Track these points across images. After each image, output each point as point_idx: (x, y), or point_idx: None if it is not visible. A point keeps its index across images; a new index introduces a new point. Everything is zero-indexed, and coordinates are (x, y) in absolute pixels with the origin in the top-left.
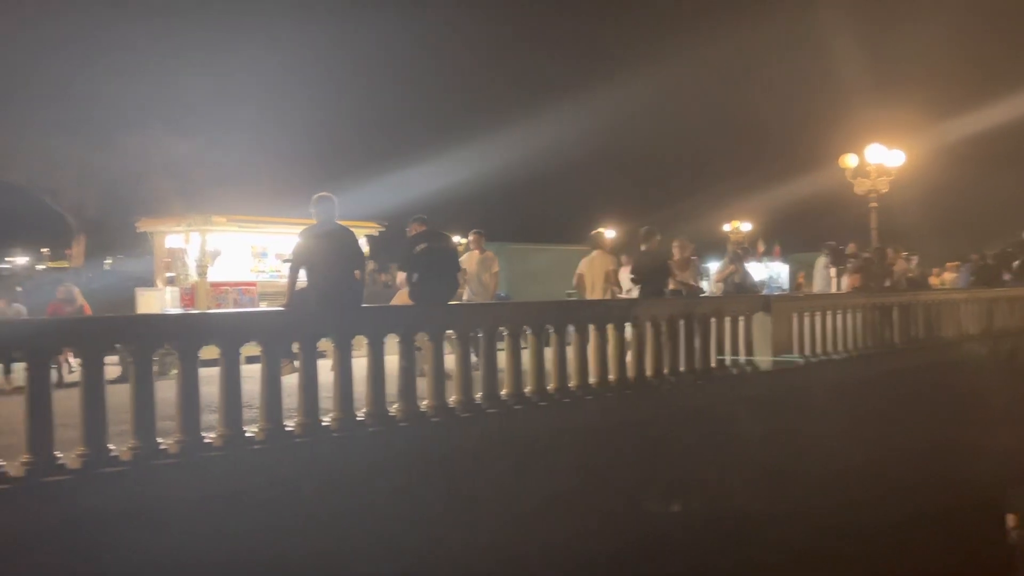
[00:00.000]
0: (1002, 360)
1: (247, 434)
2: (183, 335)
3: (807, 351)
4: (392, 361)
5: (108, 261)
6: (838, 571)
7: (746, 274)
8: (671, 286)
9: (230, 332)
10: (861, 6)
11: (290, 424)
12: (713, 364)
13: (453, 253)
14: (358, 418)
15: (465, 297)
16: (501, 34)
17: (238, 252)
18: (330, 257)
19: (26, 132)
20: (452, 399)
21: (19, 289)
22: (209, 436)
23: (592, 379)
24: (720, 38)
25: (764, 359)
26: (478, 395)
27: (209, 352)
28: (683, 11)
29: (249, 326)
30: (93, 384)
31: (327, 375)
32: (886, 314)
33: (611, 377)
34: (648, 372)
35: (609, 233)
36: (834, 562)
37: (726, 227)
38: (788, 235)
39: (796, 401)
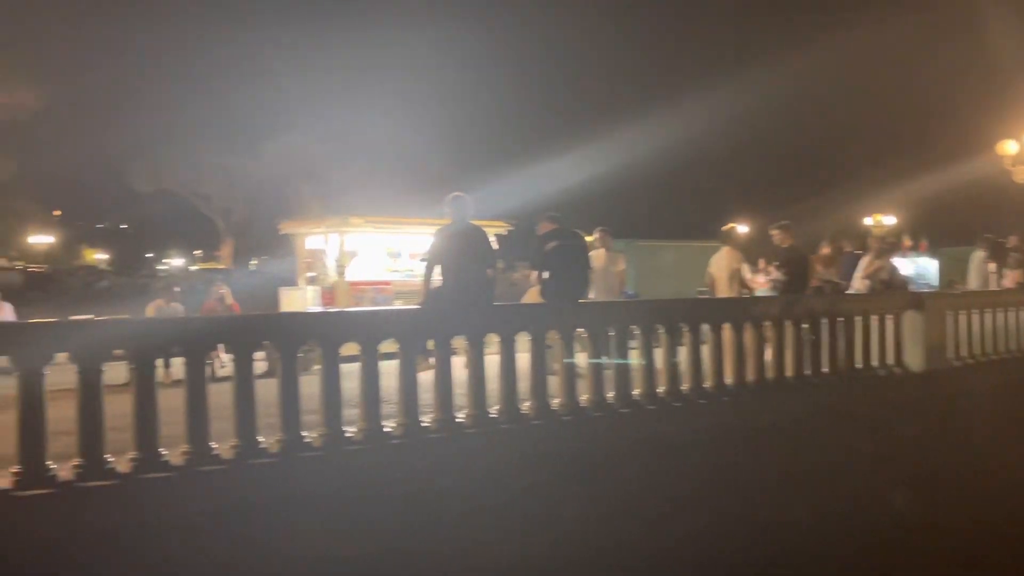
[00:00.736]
0: None
1: (384, 429)
2: (326, 333)
3: (963, 352)
4: (523, 358)
5: (253, 262)
6: None
7: (894, 270)
8: (813, 283)
9: (369, 330)
10: None
11: (426, 420)
12: (859, 365)
13: (584, 250)
14: (491, 415)
15: (592, 295)
16: (631, 26)
17: (374, 252)
18: (463, 256)
19: (178, 142)
20: (584, 398)
21: (177, 289)
22: (350, 431)
23: (728, 379)
24: (863, 23)
25: (915, 360)
26: (610, 394)
27: (346, 348)
28: None
29: (387, 324)
30: (244, 379)
31: (459, 372)
32: None
33: (749, 378)
34: (788, 372)
35: (741, 228)
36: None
37: (867, 220)
38: (935, 228)
39: (951, 406)
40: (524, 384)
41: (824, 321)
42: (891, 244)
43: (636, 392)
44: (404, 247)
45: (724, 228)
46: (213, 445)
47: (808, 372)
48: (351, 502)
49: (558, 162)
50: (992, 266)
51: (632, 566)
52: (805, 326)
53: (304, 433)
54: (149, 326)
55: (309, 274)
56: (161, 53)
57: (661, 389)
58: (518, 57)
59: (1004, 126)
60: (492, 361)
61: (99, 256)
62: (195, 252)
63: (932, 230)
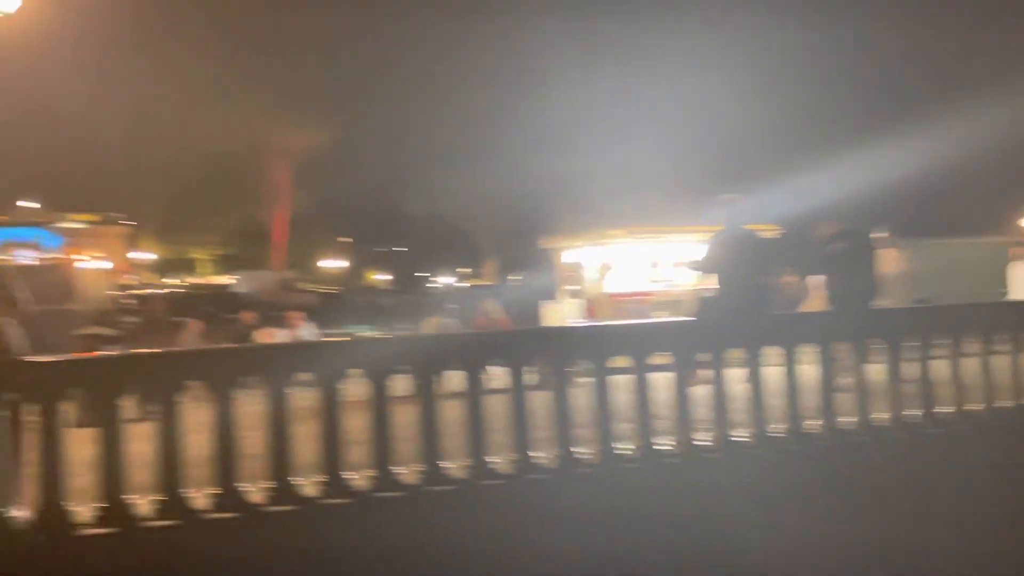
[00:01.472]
0: None
1: (654, 447)
2: (595, 346)
3: None
4: (803, 371)
5: (515, 277)
6: None
7: None
8: None
9: (639, 343)
10: None
11: (701, 438)
12: None
13: (871, 252)
14: (772, 434)
15: (882, 301)
16: (916, 23)
17: (634, 262)
18: (739, 263)
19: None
20: (878, 416)
21: (451, 306)
22: (620, 447)
23: None
24: None
25: None
26: (908, 412)
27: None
28: None
29: (658, 337)
30: (518, 393)
31: (732, 387)
32: None
33: None
34: None
35: None
36: None
37: None
38: None
39: None
40: (809, 399)
41: None
42: None
43: (943, 410)
44: (665, 256)
45: None
46: (489, 459)
47: None
48: (618, 520)
49: (829, 164)
50: None
51: None
52: None
53: (574, 449)
54: (432, 342)
55: (570, 287)
56: (431, 96)
57: (971, 407)
58: (788, 60)
59: None
60: (767, 373)
61: (379, 277)
62: (459, 269)
63: None
